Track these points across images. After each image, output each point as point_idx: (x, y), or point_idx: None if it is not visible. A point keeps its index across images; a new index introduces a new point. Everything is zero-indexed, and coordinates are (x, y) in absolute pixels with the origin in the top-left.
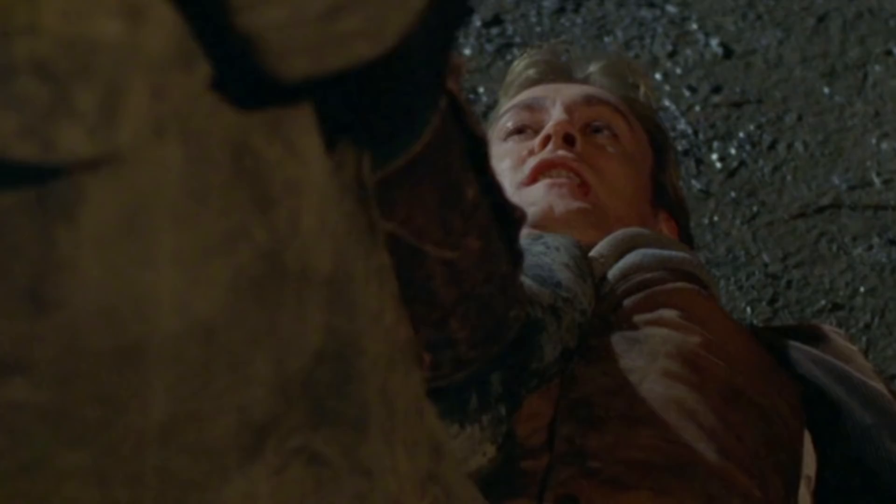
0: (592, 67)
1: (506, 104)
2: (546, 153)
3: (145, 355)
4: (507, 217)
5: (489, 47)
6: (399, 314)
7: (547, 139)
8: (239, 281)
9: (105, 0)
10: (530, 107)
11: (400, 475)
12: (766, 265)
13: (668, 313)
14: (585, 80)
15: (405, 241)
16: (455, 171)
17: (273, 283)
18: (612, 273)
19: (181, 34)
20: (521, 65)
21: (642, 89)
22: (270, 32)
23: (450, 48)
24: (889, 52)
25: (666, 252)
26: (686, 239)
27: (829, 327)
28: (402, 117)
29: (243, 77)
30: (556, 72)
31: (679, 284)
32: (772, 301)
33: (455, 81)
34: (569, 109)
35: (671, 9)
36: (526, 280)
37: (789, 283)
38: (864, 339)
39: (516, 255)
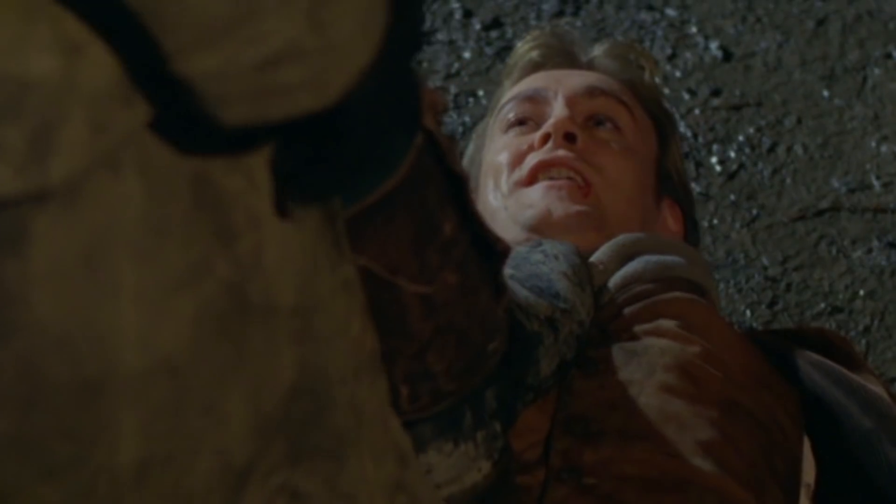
0: (597, 50)
1: (507, 94)
2: (545, 152)
3: (109, 391)
4: (489, 251)
5: (489, 50)
6: (365, 324)
7: (547, 137)
8: (203, 316)
9: (38, 37)
10: (532, 98)
11: (370, 484)
12: (765, 268)
13: (667, 323)
14: (590, 64)
15: (378, 276)
16: (431, 206)
17: (238, 317)
18: (613, 282)
19: (119, 73)
20: (524, 47)
21: (648, 71)
22: (206, 80)
23: (414, 88)
24: (888, 55)
25: (668, 259)
26: (691, 224)
27: (828, 330)
28: (367, 159)
29: (183, 121)
30: (559, 55)
31: (678, 294)
32: (771, 304)
33: (433, 118)
34: (570, 102)
35: (670, 12)
36: (523, 291)
37: (789, 285)
38: (863, 342)
39: (499, 288)
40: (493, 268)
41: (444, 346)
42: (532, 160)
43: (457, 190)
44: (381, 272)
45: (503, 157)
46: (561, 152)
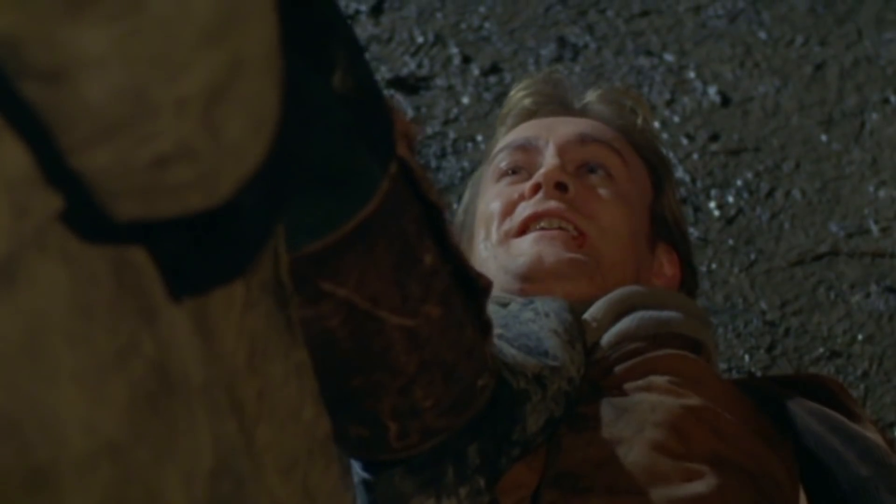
0: (590, 96)
1: (500, 142)
2: (536, 203)
3: (57, 477)
4: (472, 285)
5: (487, 95)
6: (318, 410)
7: (537, 187)
8: (136, 397)
9: None
10: (524, 147)
11: None
12: (763, 313)
13: (658, 379)
14: (583, 110)
15: (360, 308)
16: (410, 236)
17: (165, 395)
18: (606, 339)
19: (32, 162)
20: (517, 94)
21: (641, 116)
22: (100, 175)
23: (385, 116)
24: (886, 100)
25: (664, 315)
26: (688, 269)
27: (825, 376)
28: (333, 194)
29: (84, 211)
30: (552, 102)
31: (669, 351)
32: (770, 349)
33: (406, 147)
34: (562, 151)
35: (669, 57)
36: (511, 350)
37: (787, 330)
38: (862, 386)
39: (484, 324)
40: (477, 304)
41: (430, 381)
42: (523, 211)
43: (434, 220)
44: (363, 304)
45: (495, 207)
46: (552, 203)
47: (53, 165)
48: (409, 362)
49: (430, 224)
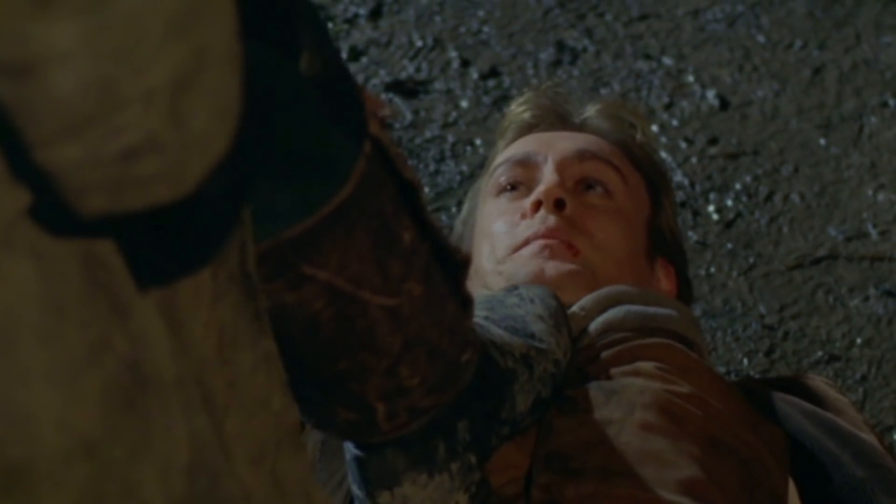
0: (589, 111)
1: (500, 156)
2: (536, 223)
3: (33, 476)
4: (450, 260)
5: (486, 99)
6: (286, 399)
7: (538, 204)
8: (110, 393)
9: None
10: (523, 163)
11: None
12: (762, 316)
13: (646, 365)
14: (582, 125)
15: (342, 290)
16: (388, 215)
17: (139, 391)
18: (593, 326)
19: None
20: (517, 108)
21: (640, 130)
22: (67, 170)
23: (355, 96)
24: (885, 104)
25: (651, 309)
26: (684, 283)
27: (820, 379)
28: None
29: (51, 206)
30: (552, 116)
31: (657, 339)
32: (768, 352)
33: (378, 125)
34: (560, 167)
35: (667, 61)
36: (498, 330)
37: (786, 334)
38: (860, 390)
39: (464, 299)
40: (457, 278)
41: (415, 360)
42: (524, 232)
43: (411, 197)
44: (345, 286)
45: (497, 228)
46: (551, 221)
47: (19, 161)
48: (393, 342)
49: (407, 201)
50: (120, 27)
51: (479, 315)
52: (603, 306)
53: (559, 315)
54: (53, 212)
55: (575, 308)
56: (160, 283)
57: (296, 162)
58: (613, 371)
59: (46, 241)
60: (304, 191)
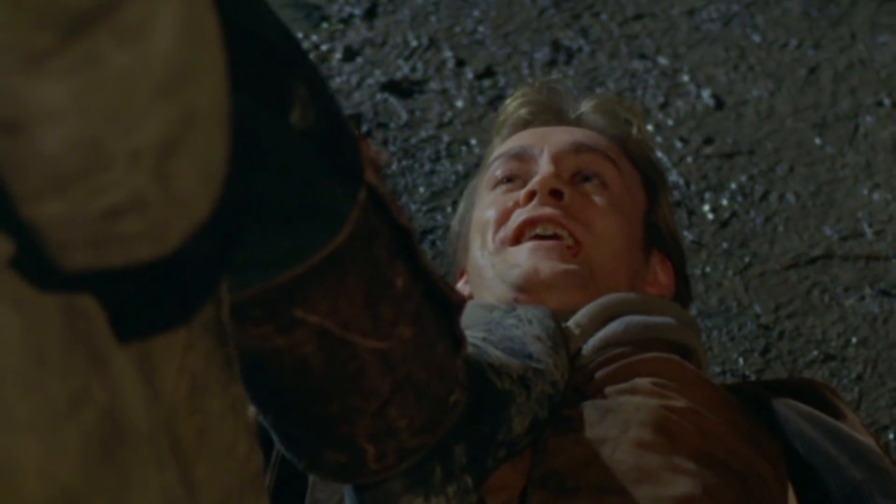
0: (585, 106)
1: (496, 151)
2: (531, 209)
3: None
4: (445, 302)
5: (481, 99)
6: (251, 445)
7: (532, 194)
8: (90, 443)
9: None
10: (519, 156)
11: None
12: (758, 316)
13: (642, 381)
14: (578, 120)
15: (333, 334)
16: (381, 260)
17: (118, 443)
18: (591, 344)
19: None
20: (513, 104)
21: (635, 126)
22: (51, 225)
23: (353, 145)
24: (880, 103)
25: (651, 319)
26: (681, 279)
27: (819, 381)
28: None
29: (35, 259)
30: (547, 112)
31: (654, 354)
32: (764, 352)
33: (374, 173)
34: (556, 159)
35: (663, 60)
36: (495, 352)
37: (781, 333)
38: (856, 389)
39: (457, 339)
40: (449, 319)
41: (404, 401)
42: (518, 217)
43: (405, 243)
44: (335, 329)
45: (490, 214)
46: (547, 209)
47: (5, 213)
48: (382, 384)
49: (401, 246)
50: (110, 88)
51: (476, 336)
52: (602, 319)
53: (557, 336)
54: (36, 265)
55: (570, 325)
56: (139, 337)
57: (288, 212)
58: (609, 389)
59: (29, 291)
60: (298, 239)
